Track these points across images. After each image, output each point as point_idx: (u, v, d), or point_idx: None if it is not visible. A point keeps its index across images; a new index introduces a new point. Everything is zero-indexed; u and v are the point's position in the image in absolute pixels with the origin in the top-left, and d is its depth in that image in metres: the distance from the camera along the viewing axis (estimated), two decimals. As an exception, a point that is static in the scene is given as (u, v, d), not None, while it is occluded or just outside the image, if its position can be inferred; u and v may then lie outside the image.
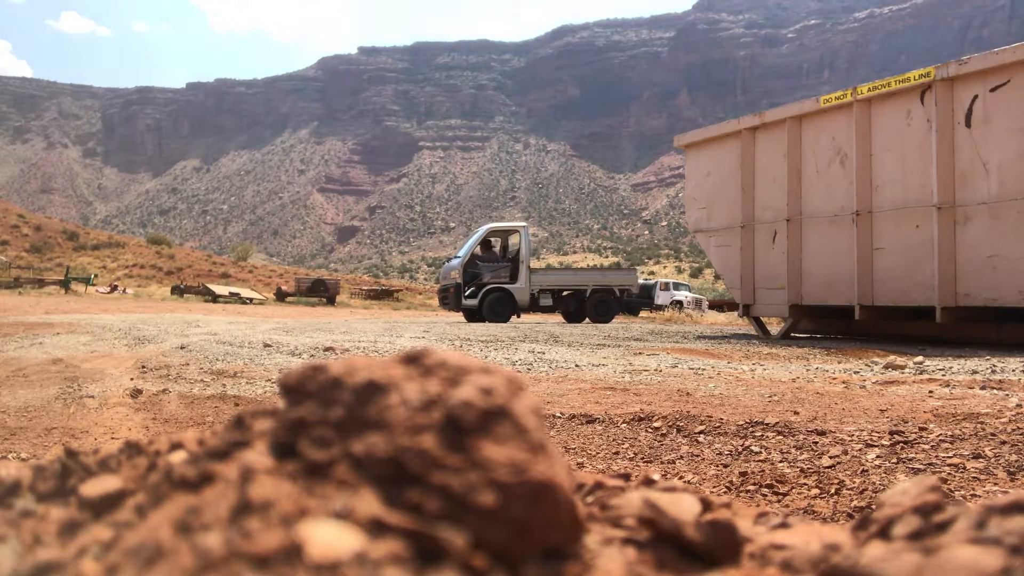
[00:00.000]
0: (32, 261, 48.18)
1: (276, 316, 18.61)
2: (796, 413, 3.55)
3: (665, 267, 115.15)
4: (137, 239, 67.63)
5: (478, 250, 16.34)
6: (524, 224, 17.11)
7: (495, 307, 15.76)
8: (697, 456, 2.87)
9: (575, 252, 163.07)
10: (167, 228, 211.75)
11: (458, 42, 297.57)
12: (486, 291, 15.83)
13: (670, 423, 3.36)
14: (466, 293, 15.80)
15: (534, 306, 16.34)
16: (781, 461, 2.69)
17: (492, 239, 16.77)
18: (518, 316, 16.59)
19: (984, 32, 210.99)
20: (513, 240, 17.17)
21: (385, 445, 0.43)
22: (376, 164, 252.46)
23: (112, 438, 3.46)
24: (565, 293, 16.67)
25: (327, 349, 7.51)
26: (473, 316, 15.99)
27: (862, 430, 3.06)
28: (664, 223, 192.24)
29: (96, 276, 39.68)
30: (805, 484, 2.40)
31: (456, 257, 16.50)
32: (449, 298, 16.11)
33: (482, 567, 0.40)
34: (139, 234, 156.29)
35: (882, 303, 9.57)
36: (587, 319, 16.71)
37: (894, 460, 2.61)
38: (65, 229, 59.71)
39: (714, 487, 2.46)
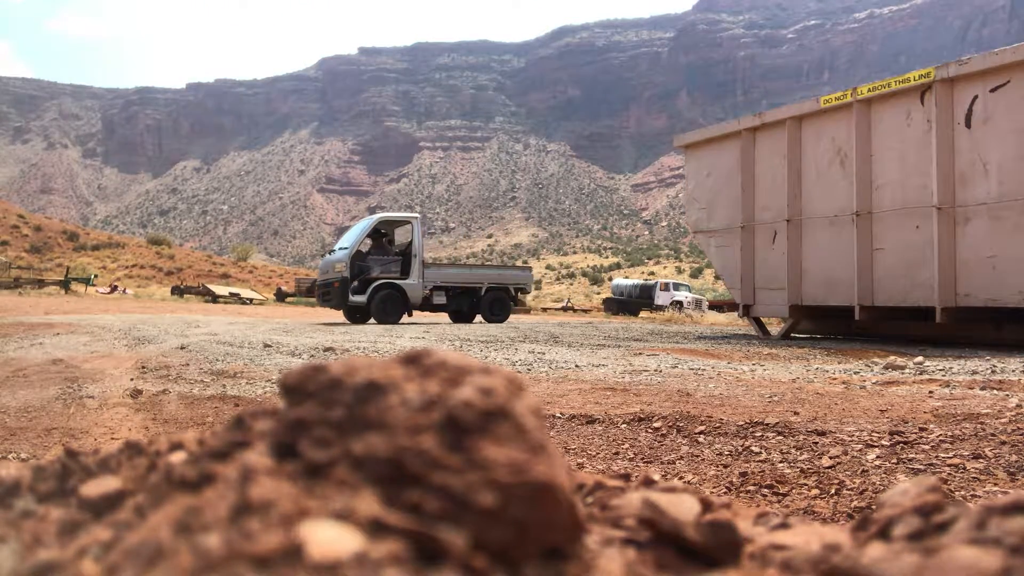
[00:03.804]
0: (32, 261, 48.19)
1: (276, 316, 18.61)
2: (796, 413, 3.55)
3: (665, 267, 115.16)
4: (137, 239, 67.66)
5: (366, 242, 14.86)
6: (416, 215, 15.96)
7: (386, 305, 14.40)
8: (697, 456, 2.87)
9: (575, 252, 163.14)
10: (167, 228, 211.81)
11: (458, 42, 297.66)
12: (375, 287, 14.36)
13: (670, 423, 3.36)
14: (351, 289, 14.35)
15: (427, 304, 15.17)
16: (781, 461, 2.69)
17: (381, 230, 15.30)
18: (409, 315, 15.27)
19: (984, 32, 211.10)
20: (404, 232, 15.80)
21: (385, 445, 0.43)
22: (376, 164, 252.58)
23: (112, 438, 3.46)
24: (454, 290, 15.56)
25: (327, 349, 7.51)
26: (357, 315, 14.72)
27: (862, 430, 3.06)
28: (664, 223, 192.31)
29: (96, 276, 39.65)
30: (805, 484, 2.40)
31: (342, 248, 14.90)
32: (332, 294, 14.47)
33: (482, 567, 0.40)
34: (139, 234, 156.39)
35: (882, 303, 9.57)
36: (478, 318, 15.86)
37: (894, 460, 2.61)
38: (65, 229, 59.72)
39: (714, 487, 2.46)
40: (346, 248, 14.74)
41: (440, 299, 15.28)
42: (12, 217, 58.10)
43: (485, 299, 15.72)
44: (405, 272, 14.85)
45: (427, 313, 16.08)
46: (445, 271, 16.01)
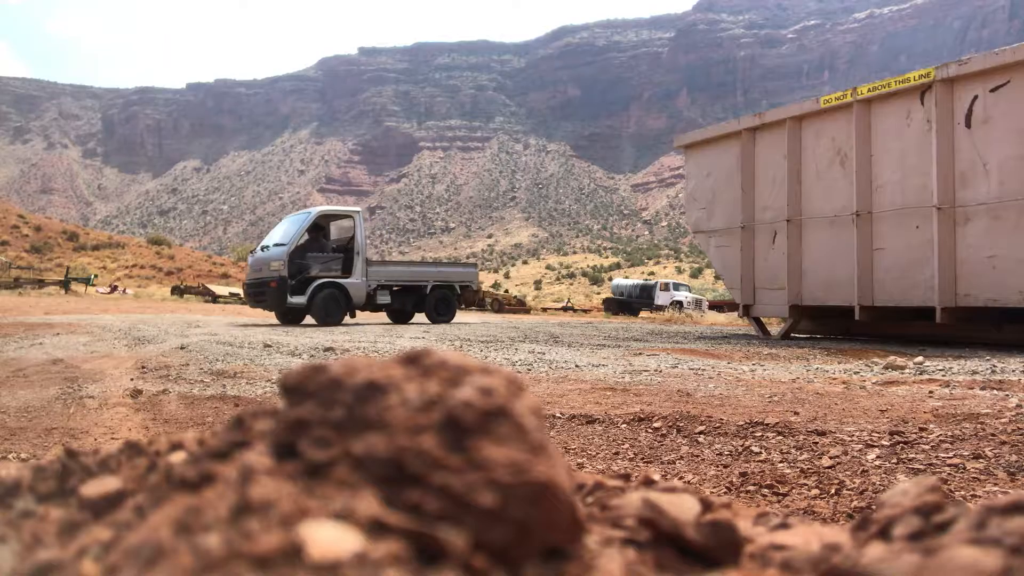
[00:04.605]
0: (32, 261, 48.18)
1: (276, 316, 18.56)
2: (796, 413, 3.55)
3: (665, 267, 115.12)
4: (137, 239, 67.68)
5: (304, 238, 13.75)
6: (358, 209, 14.93)
7: (328, 306, 13.50)
8: (697, 456, 2.87)
9: (575, 252, 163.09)
10: (167, 228, 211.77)
11: (458, 42, 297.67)
12: (316, 287, 13.43)
13: (670, 423, 3.36)
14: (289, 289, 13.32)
15: (370, 303, 14.34)
16: (781, 461, 2.69)
17: (321, 226, 14.27)
18: (352, 316, 14.37)
19: (984, 32, 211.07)
20: (345, 227, 14.81)
21: (385, 445, 0.43)
22: (376, 164, 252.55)
23: (112, 438, 3.46)
24: (398, 289, 14.82)
25: (327, 349, 7.51)
26: (290, 316, 13.82)
27: (862, 430, 3.06)
28: (664, 223, 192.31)
29: (96, 276, 39.65)
30: (805, 484, 2.40)
31: (277, 245, 13.73)
32: (268, 295, 13.36)
33: (482, 567, 0.40)
34: (139, 234, 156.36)
35: (882, 303, 9.57)
36: (418, 317, 15.29)
37: (894, 460, 2.61)
38: (65, 229, 59.72)
39: (714, 487, 2.46)
40: (283, 245, 13.58)
41: (384, 298, 14.51)
42: (12, 217, 58.09)
43: (430, 298, 15.06)
44: (347, 270, 13.96)
45: (367, 313, 15.36)
46: (390, 269, 15.24)
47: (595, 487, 0.57)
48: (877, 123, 9.63)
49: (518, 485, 0.42)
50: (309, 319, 13.90)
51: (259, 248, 14.34)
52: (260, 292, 13.68)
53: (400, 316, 15.26)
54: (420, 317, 15.57)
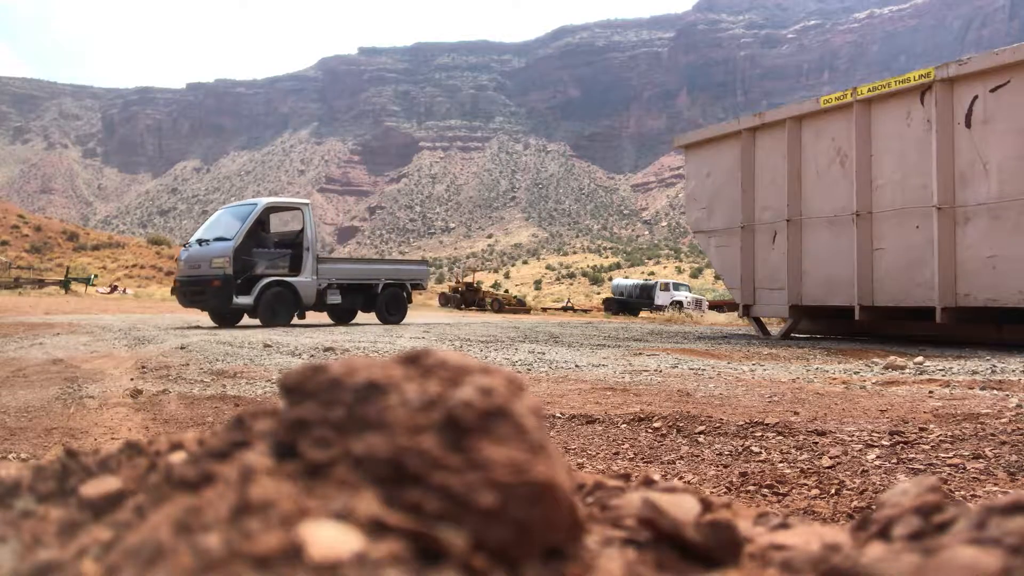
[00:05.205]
0: (32, 261, 48.20)
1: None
2: (796, 413, 3.55)
3: (665, 267, 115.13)
4: (137, 239, 67.72)
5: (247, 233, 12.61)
6: (307, 201, 13.96)
7: (275, 306, 12.56)
8: (697, 456, 2.87)
9: (575, 252, 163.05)
10: (167, 228, 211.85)
11: (458, 42, 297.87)
12: (264, 286, 12.44)
13: (670, 423, 3.36)
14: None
15: (320, 303, 13.45)
16: (781, 461, 2.69)
17: (264, 220, 13.20)
18: (301, 317, 13.47)
19: (984, 32, 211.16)
20: (293, 221, 13.83)
21: (385, 445, 0.43)
22: (376, 164, 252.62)
23: (112, 438, 3.45)
24: (348, 287, 13.92)
25: (327, 349, 7.51)
26: (228, 317, 12.85)
27: (862, 430, 3.06)
28: (664, 223, 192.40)
29: (96, 276, 39.68)
30: (805, 484, 2.40)
31: (219, 240, 12.56)
32: (209, 294, 12.21)
33: (482, 567, 0.40)
34: (139, 234, 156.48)
35: (882, 303, 9.57)
36: (361, 316, 14.74)
37: (894, 460, 2.61)
38: (65, 229, 59.75)
39: (714, 487, 2.46)
40: (227, 240, 12.41)
41: (335, 297, 13.62)
42: (12, 217, 58.11)
43: (381, 297, 14.29)
44: (295, 268, 13.01)
45: (310, 313, 14.20)
46: (341, 267, 14.37)
47: (595, 487, 0.57)
48: (877, 123, 9.63)
49: (518, 485, 0.42)
50: (247, 319, 13.08)
51: (194, 242, 13.05)
52: (199, 291, 12.43)
53: (343, 316, 14.63)
54: (363, 317, 14.95)
